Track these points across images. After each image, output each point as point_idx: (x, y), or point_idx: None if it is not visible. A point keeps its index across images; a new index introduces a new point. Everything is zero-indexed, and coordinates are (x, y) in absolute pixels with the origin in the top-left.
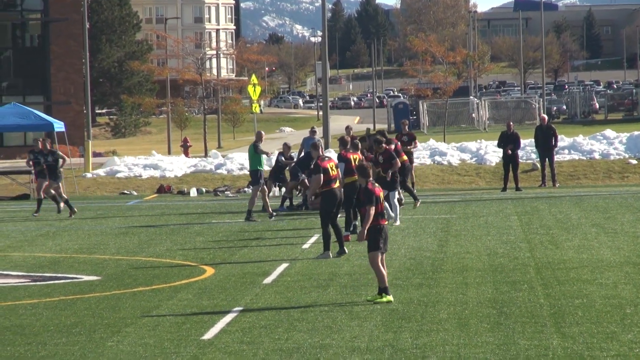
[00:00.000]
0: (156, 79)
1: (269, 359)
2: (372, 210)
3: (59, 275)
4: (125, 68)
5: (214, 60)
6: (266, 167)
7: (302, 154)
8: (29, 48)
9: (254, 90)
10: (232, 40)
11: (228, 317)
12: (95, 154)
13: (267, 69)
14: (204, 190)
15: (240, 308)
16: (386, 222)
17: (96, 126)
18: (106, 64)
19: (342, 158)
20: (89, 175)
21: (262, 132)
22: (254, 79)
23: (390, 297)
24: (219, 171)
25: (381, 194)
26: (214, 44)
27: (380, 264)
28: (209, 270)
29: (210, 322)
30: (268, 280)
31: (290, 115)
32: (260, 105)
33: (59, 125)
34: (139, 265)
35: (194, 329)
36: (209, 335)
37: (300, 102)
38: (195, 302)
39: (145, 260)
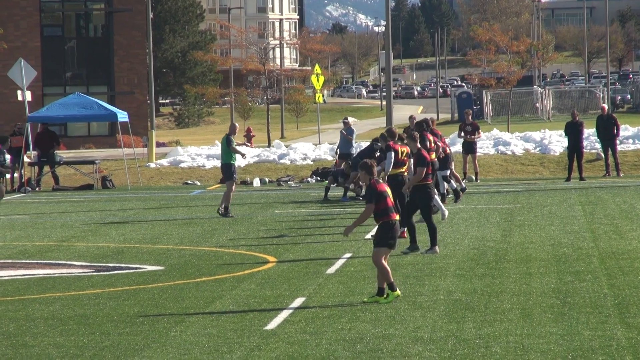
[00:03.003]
0: (219, 69)
1: (332, 349)
2: (371, 209)
3: (123, 265)
4: (188, 58)
5: (278, 50)
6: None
7: (337, 145)
8: (93, 38)
9: (317, 80)
10: (295, 30)
11: (291, 307)
12: (159, 144)
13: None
14: (267, 180)
15: (304, 298)
16: (397, 217)
17: (159, 116)
18: (170, 54)
19: (390, 149)
20: (152, 165)
21: (237, 125)
22: (317, 68)
23: (397, 292)
24: (282, 161)
25: (388, 190)
26: (277, 34)
27: (384, 262)
28: (272, 260)
29: (273, 312)
30: (331, 270)
31: (353, 105)
32: (323, 95)
33: (122, 116)
34: (202, 255)
35: (257, 319)
36: (272, 325)
37: (364, 91)
38: (259, 292)
39: (208, 250)
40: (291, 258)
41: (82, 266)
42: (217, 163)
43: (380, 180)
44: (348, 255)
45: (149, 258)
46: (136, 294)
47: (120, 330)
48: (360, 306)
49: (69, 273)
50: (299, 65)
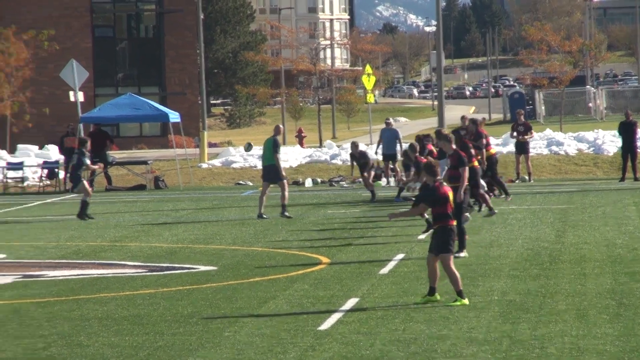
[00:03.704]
0: (270, 69)
1: (385, 349)
2: (422, 209)
3: (176, 265)
4: (239, 58)
5: (328, 50)
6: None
7: (381, 145)
8: (144, 39)
9: (369, 80)
10: (346, 30)
11: (344, 308)
12: (211, 145)
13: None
14: (319, 180)
15: (357, 299)
16: (454, 223)
17: (211, 117)
18: (221, 55)
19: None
20: (204, 165)
21: (281, 127)
22: (368, 68)
23: (465, 301)
24: (333, 161)
25: (450, 194)
26: (328, 34)
27: (453, 267)
28: (325, 261)
29: (326, 312)
30: (384, 270)
31: (404, 105)
32: (374, 95)
33: (174, 116)
34: (255, 255)
35: (310, 320)
36: (325, 325)
37: (415, 92)
38: (312, 292)
39: (261, 250)
40: (344, 259)
41: (135, 266)
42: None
43: (445, 183)
44: (401, 256)
45: (202, 258)
46: (190, 294)
47: (174, 330)
48: (414, 306)
49: (123, 273)
50: (349, 66)
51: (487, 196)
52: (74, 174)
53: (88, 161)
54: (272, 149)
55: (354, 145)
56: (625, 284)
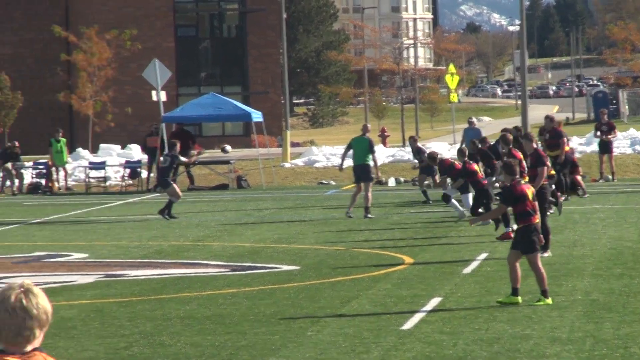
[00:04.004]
0: (353, 69)
1: (469, 349)
2: (503, 209)
3: (258, 264)
4: (322, 58)
5: (412, 50)
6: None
7: (463, 144)
8: (227, 39)
9: (452, 79)
10: (429, 29)
11: (427, 307)
12: (293, 144)
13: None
14: (402, 179)
15: (440, 298)
16: (537, 220)
17: (294, 116)
18: (303, 54)
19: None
20: (287, 165)
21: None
22: (451, 68)
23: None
24: (417, 161)
25: (528, 191)
26: (411, 34)
27: (541, 266)
28: (408, 260)
29: (409, 312)
30: (467, 270)
31: (488, 104)
32: (458, 95)
33: (257, 116)
34: (337, 255)
35: (393, 319)
36: (408, 325)
37: (499, 91)
38: (395, 292)
39: (344, 250)
40: (427, 258)
41: (217, 266)
42: (351, 163)
43: (523, 182)
44: (484, 255)
45: (285, 258)
46: (272, 294)
47: (256, 330)
48: (497, 306)
49: (205, 273)
50: (433, 65)
51: None
52: (162, 179)
53: (183, 158)
54: (368, 149)
55: (413, 140)
56: None
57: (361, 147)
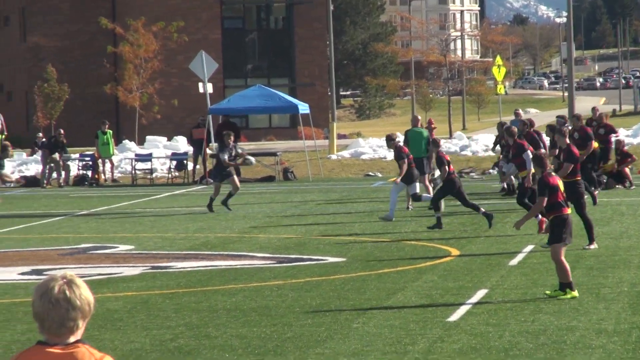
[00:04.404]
0: (400, 61)
1: (514, 341)
2: (543, 202)
3: (304, 256)
4: (369, 50)
5: (459, 42)
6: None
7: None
8: (274, 31)
9: (499, 71)
10: (476, 21)
11: (473, 299)
12: (340, 136)
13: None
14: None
15: (486, 290)
16: (568, 212)
17: (340, 108)
18: (350, 46)
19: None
20: (333, 157)
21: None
22: (498, 60)
23: (575, 293)
24: (463, 152)
25: (559, 182)
26: (458, 25)
27: (563, 258)
28: (454, 252)
29: (455, 304)
30: (514, 261)
31: (535, 96)
32: (504, 87)
33: (303, 108)
34: (383, 247)
35: (439, 311)
36: (454, 317)
37: (545, 83)
38: (441, 283)
39: (390, 241)
40: (473, 250)
41: (264, 257)
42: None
43: (553, 173)
44: (530, 247)
45: (331, 249)
46: (318, 286)
47: (302, 322)
48: (543, 298)
49: (251, 264)
50: (480, 57)
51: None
52: (219, 172)
53: (225, 156)
54: (428, 142)
55: (500, 126)
56: None
57: (421, 140)
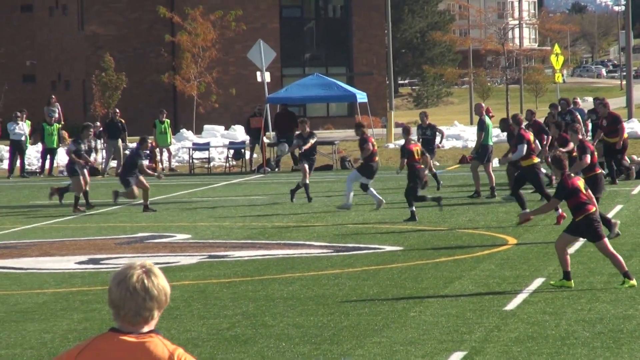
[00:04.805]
0: (458, 49)
1: (571, 329)
2: (555, 204)
3: (361, 245)
4: (427, 39)
5: (517, 30)
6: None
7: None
8: (332, 20)
9: (557, 59)
10: (534, 10)
11: (530, 288)
12: (398, 125)
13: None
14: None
15: (543, 278)
16: (594, 209)
17: (398, 97)
18: (408, 35)
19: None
20: (391, 145)
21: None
22: (556, 48)
23: (633, 282)
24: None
25: (580, 183)
26: (516, 14)
27: (612, 250)
28: (511, 241)
29: (512, 292)
30: (571, 250)
31: (593, 84)
32: (563, 75)
33: (361, 96)
34: (440, 235)
35: (496, 300)
36: (511, 305)
37: (603, 71)
38: (498, 272)
39: (447, 230)
40: (531, 239)
41: (321, 246)
42: (456, 143)
43: (573, 175)
44: None
45: (388, 238)
46: (375, 274)
47: (359, 311)
48: (600, 286)
49: (308, 253)
50: (538, 45)
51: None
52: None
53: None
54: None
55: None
56: None
57: (485, 127)
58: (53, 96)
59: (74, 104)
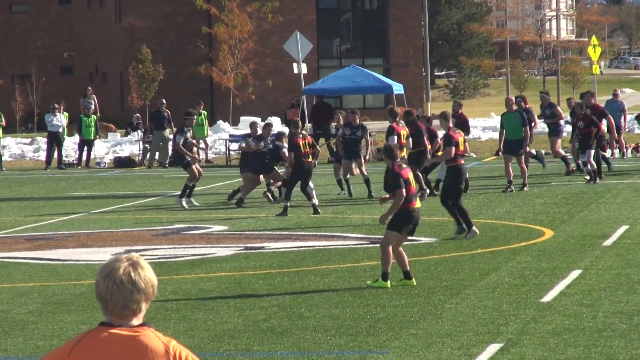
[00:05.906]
0: (495, 41)
1: (608, 321)
2: (402, 193)
3: None
4: (464, 30)
5: (554, 22)
6: None
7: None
8: (369, 11)
9: (594, 51)
10: (572, 1)
11: (567, 280)
12: (434, 116)
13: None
14: (543, 152)
15: (580, 270)
16: (416, 206)
17: (435, 88)
18: (445, 26)
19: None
20: None
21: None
22: (594, 39)
23: (387, 284)
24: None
25: (410, 175)
26: (553, 5)
27: (390, 247)
28: (548, 233)
29: (549, 284)
30: (608, 242)
31: (630, 76)
32: (600, 67)
33: (397, 88)
34: (477, 227)
35: (532, 291)
36: (547, 297)
37: None
38: (534, 264)
39: (483, 222)
40: (567, 230)
41: (357, 238)
42: (493, 135)
43: (404, 166)
44: (625, 227)
45: (424, 230)
46: (411, 266)
47: (395, 302)
48: (637, 278)
49: (344, 245)
50: (575, 37)
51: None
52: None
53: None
54: (522, 123)
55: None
56: None
57: (513, 121)
58: (90, 88)
59: (111, 96)
